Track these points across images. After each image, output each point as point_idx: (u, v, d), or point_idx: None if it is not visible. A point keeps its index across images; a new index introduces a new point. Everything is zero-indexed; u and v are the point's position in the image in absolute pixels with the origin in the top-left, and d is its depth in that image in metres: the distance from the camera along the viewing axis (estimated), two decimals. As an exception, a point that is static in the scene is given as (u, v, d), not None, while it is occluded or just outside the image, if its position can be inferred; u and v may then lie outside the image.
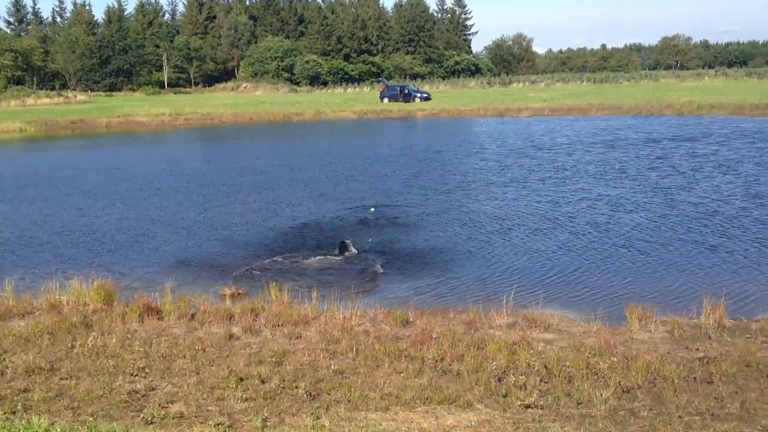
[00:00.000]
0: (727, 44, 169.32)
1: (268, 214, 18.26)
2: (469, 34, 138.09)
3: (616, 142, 32.97)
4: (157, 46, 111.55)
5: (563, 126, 42.55)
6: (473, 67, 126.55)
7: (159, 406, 6.71)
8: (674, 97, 57.84)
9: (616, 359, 7.61)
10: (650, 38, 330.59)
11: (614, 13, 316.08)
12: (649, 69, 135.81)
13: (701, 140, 32.11)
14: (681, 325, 8.81)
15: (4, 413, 6.51)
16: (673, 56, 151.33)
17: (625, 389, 6.94)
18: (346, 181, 23.66)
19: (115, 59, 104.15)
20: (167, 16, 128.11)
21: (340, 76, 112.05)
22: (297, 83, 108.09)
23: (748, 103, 48.92)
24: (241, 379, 7.23)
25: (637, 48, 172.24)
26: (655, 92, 67.79)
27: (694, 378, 7.19)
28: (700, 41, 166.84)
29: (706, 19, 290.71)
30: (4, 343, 8.43)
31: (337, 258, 13.81)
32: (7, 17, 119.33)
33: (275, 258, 13.84)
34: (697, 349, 8.08)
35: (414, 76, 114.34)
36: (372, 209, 17.99)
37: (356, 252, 14.05)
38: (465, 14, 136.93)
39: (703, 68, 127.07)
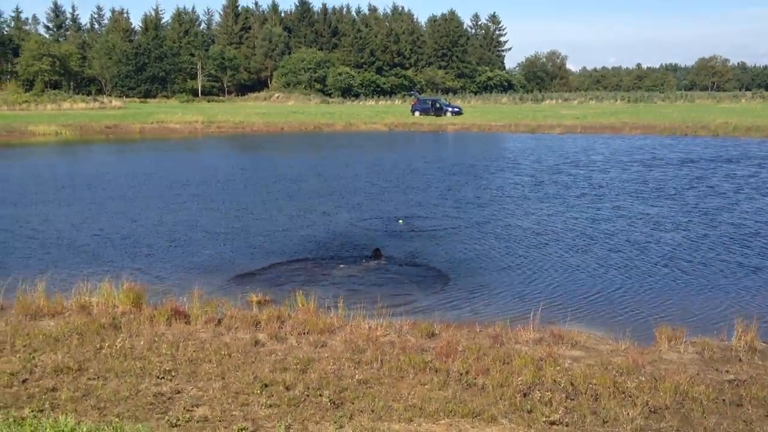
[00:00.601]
0: (765, 67, 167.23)
1: (301, 222, 18.35)
2: (502, 50, 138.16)
3: (654, 161, 32.74)
4: (192, 55, 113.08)
5: (598, 144, 42.34)
6: (506, 83, 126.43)
7: (184, 409, 6.74)
8: (710, 118, 57.21)
9: (643, 379, 7.51)
10: (686, 59, 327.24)
11: (650, 32, 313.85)
12: (684, 90, 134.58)
13: (740, 162, 31.76)
14: (711, 347, 8.68)
15: (32, 411, 6.58)
16: (710, 77, 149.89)
17: (652, 409, 6.85)
18: (380, 192, 23.72)
19: (151, 66, 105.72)
20: (203, 25, 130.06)
21: (372, 88, 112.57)
22: (329, 94, 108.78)
23: (785, 125, 48.26)
24: (266, 386, 7.25)
25: (673, 68, 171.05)
26: (690, 113, 67.12)
27: (724, 400, 7.07)
28: (738, 63, 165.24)
29: (744, 42, 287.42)
30: (34, 342, 8.53)
31: (370, 264, 13.94)
32: (46, 23, 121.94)
33: (307, 265, 13.91)
34: (727, 371, 7.95)
35: (446, 91, 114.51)
36: (400, 221, 17.99)
37: (387, 259, 14.23)
38: (499, 30, 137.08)
39: (740, 90, 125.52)
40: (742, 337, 8.84)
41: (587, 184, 25.31)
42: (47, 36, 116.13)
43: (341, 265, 13.93)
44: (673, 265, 13.89)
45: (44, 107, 75.44)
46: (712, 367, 8.14)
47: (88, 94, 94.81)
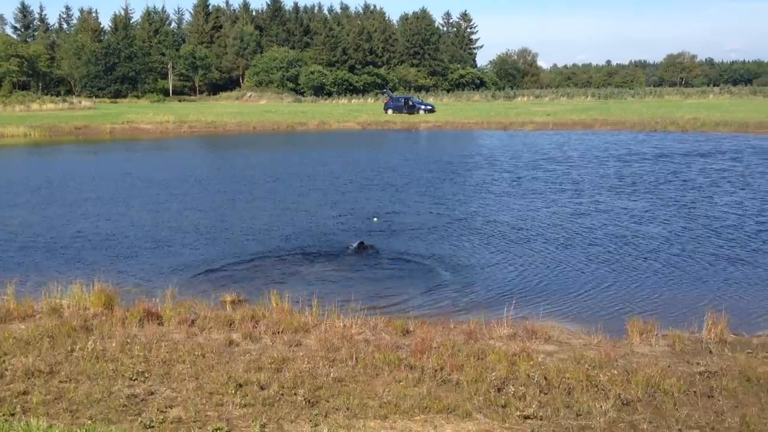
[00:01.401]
0: (732, 63, 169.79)
1: (279, 220, 18.30)
2: (474, 48, 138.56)
3: (629, 156, 33.14)
4: (163, 54, 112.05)
5: (572, 140, 42.68)
6: (478, 81, 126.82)
7: (158, 410, 6.69)
8: (678, 113, 57.89)
9: (616, 372, 7.59)
10: (655, 55, 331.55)
11: (620, 30, 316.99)
12: (653, 86, 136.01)
13: (714, 156, 32.27)
14: (682, 339, 8.80)
15: (3, 415, 6.50)
16: (678, 73, 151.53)
17: (624, 402, 6.92)
18: (358, 190, 23.71)
19: (121, 66, 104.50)
20: (173, 24, 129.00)
21: (344, 87, 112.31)
22: (301, 93, 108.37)
23: (752, 120, 48.99)
24: (240, 385, 7.22)
25: (642, 65, 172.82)
26: (659, 109, 67.86)
27: (695, 392, 7.17)
28: (705, 59, 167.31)
29: (711, 38, 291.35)
30: (4, 345, 8.42)
31: (351, 258, 14.31)
32: (14, 23, 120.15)
33: (283, 262, 13.90)
34: (698, 363, 8.06)
35: (418, 89, 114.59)
36: (375, 219, 17.99)
37: (371, 252, 14.68)
38: (470, 28, 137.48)
39: (708, 86, 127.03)
40: (713, 330, 8.97)
41: (566, 180, 25.54)
42: (15, 36, 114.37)
43: (321, 261, 14.00)
44: (648, 259, 14.05)
45: (12, 108, 74.25)
46: (683, 359, 8.26)
47: (57, 95, 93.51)
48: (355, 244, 15.04)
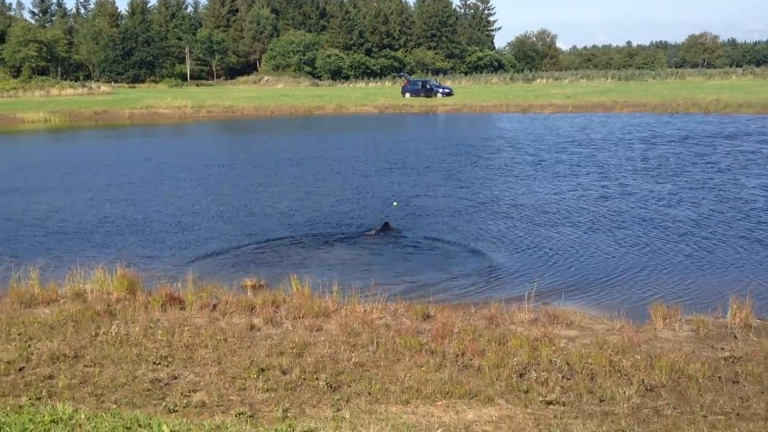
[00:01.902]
0: (755, 43, 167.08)
1: (298, 204, 18.37)
2: (492, 30, 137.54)
3: (654, 138, 32.82)
4: (180, 39, 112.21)
5: (595, 122, 42.37)
6: (496, 63, 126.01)
7: (181, 394, 6.74)
8: (701, 95, 57.21)
9: (639, 357, 7.54)
10: (677, 36, 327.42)
11: (640, 10, 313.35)
12: (675, 67, 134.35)
13: (739, 138, 31.93)
14: (706, 324, 8.73)
15: (30, 399, 6.57)
16: (700, 54, 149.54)
17: (648, 387, 6.88)
18: (383, 173, 23.71)
19: (138, 51, 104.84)
20: (190, 8, 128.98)
21: (361, 70, 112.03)
22: (318, 77, 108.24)
23: (775, 102, 48.31)
24: (263, 370, 7.25)
25: (664, 46, 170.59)
26: (681, 90, 67.10)
27: (719, 377, 7.11)
28: (728, 40, 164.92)
29: (734, 18, 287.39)
30: (29, 330, 8.51)
31: (372, 240, 14.52)
32: (32, 8, 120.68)
33: (304, 247, 13.95)
34: (723, 349, 7.99)
35: (436, 71, 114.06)
36: (395, 203, 17.95)
37: (392, 233, 15.00)
38: (488, 10, 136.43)
39: (730, 67, 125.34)
40: (737, 315, 8.88)
41: (591, 163, 25.47)
42: (33, 22, 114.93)
43: (342, 245, 14.16)
44: (672, 242, 13.92)
45: (32, 94, 74.74)
46: (707, 344, 8.19)
47: (76, 80, 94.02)
48: (380, 226, 15.27)
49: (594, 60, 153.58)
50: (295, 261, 13.09)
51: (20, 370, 7.32)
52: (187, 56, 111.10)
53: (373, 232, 15.07)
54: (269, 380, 7.04)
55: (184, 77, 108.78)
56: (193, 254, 13.63)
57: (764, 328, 8.72)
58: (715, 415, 6.33)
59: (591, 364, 7.37)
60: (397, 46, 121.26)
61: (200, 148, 34.10)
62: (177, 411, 6.40)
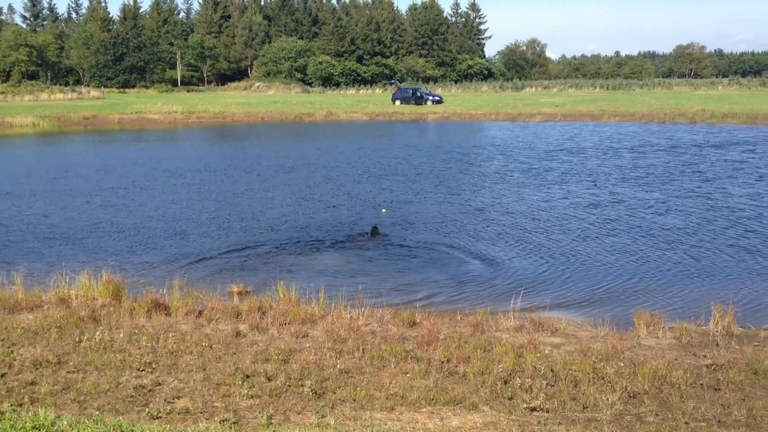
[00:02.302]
0: (742, 54, 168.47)
1: (286, 211, 18.35)
2: (482, 39, 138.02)
3: (642, 147, 33.07)
4: (171, 44, 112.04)
5: (584, 131, 42.53)
6: (486, 71, 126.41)
7: (165, 401, 6.73)
8: (687, 105, 57.60)
9: (623, 364, 7.58)
10: (664, 46, 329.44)
11: (629, 20, 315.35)
12: (662, 77, 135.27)
13: (727, 147, 32.16)
14: (689, 332, 8.78)
15: (12, 405, 6.54)
16: (687, 65, 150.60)
17: (631, 394, 6.92)
18: (367, 181, 23.72)
19: (129, 56, 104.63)
20: (182, 14, 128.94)
21: (352, 77, 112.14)
22: (309, 84, 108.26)
23: (761, 112, 48.67)
24: (247, 377, 7.25)
25: (651, 56, 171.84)
26: (668, 100, 67.54)
27: (701, 384, 7.16)
28: (715, 50, 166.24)
29: (721, 29, 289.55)
30: (12, 336, 8.47)
31: (359, 247, 14.64)
32: (23, 12, 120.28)
33: (291, 253, 13.92)
34: (705, 356, 8.04)
35: (426, 79, 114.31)
36: (383, 210, 17.97)
37: (381, 238, 15.20)
38: (479, 18, 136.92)
39: (717, 77, 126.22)
40: (720, 322, 8.95)
41: (580, 171, 25.61)
42: (24, 26, 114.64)
43: (329, 251, 14.14)
44: (657, 251, 14.00)
45: (21, 98, 74.48)
46: (690, 352, 8.24)
47: (65, 85, 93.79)
48: (369, 230, 15.54)
49: (583, 69, 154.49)
50: (283, 267, 13.08)
51: (2, 376, 7.29)
52: (178, 62, 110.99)
53: (363, 237, 15.22)
54: (254, 387, 7.03)
55: (174, 83, 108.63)
56: (179, 260, 13.59)
57: (746, 336, 8.79)
58: (696, 422, 6.37)
59: (575, 371, 7.40)
60: (388, 54, 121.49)
61: (190, 154, 34.02)
62: (160, 417, 6.39)
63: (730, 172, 24.53)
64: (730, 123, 45.45)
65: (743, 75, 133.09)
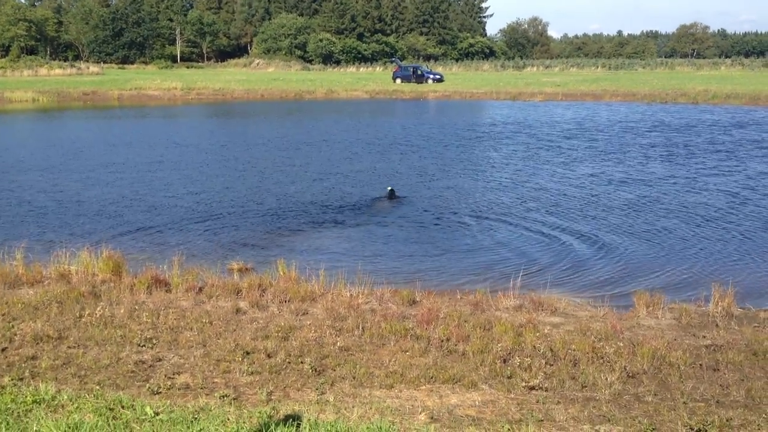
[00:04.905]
0: (745, 34, 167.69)
1: (288, 188, 18.35)
2: (484, 17, 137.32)
3: (660, 126, 33.21)
4: (171, 20, 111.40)
5: (586, 110, 42.45)
6: (487, 50, 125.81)
7: (165, 376, 6.74)
8: (690, 85, 57.40)
9: (622, 344, 7.60)
10: (667, 26, 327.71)
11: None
12: (665, 57, 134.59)
13: (748, 127, 32.25)
14: (689, 312, 8.80)
15: (12, 380, 6.55)
16: (690, 45, 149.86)
17: (630, 374, 6.94)
18: (371, 159, 23.73)
19: (129, 32, 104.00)
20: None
21: (353, 55, 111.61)
22: (310, 61, 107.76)
23: (764, 93, 48.51)
24: (247, 353, 7.26)
25: (654, 35, 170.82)
26: (670, 80, 67.28)
27: (700, 365, 7.18)
28: (718, 30, 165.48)
29: (724, 8, 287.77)
30: (13, 310, 8.47)
31: (386, 203, 16.34)
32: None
33: (292, 231, 13.91)
34: (704, 337, 8.06)
35: (427, 57, 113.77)
36: (389, 188, 17.87)
37: (401, 198, 16.72)
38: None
39: (719, 57, 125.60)
40: (719, 303, 8.96)
41: (586, 149, 25.91)
42: (23, 1, 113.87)
43: (330, 229, 14.16)
44: (658, 230, 13.99)
45: (20, 73, 74.10)
46: (689, 332, 8.26)
47: (65, 60, 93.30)
48: (386, 193, 16.90)
49: (585, 48, 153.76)
50: (283, 244, 13.08)
51: (3, 350, 7.30)
52: (178, 38, 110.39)
53: (381, 200, 16.41)
54: (254, 363, 7.05)
55: (174, 59, 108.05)
56: (179, 236, 13.59)
57: (746, 317, 8.80)
58: (695, 402, 6.40)
59: (574, 350, 7.42)
60: (389, 32, 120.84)
61: (191, 131, 33.93)
62: (160, 393, 6.40)
63: (751, 151, 24.69)
64: (733, 104, 45.32)
65: (746, 55, 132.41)
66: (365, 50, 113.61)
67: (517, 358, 7.24)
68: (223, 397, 6.31)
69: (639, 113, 40.59)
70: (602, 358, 7.26)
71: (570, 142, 27.92)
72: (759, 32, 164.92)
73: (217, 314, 8.52)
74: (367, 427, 5.70)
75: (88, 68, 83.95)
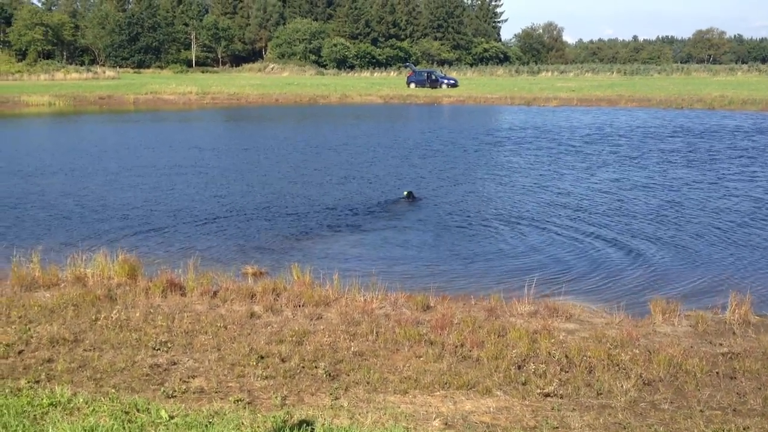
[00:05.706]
0: (762, 40, 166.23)
1: (303, 193, 18.42)
2: (498, 22, 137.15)
3: (680, 132, 33.07)
4: (186, 25, 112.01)
5: (620, 115, 42.43)
6: (502, 55, 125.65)
7: (180, 380, 6.76)
8: (705, 91, 57.05)
9: (638, 351, 7.55)
10: (683, 31, 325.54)
11: (647, 5, 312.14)
12: (681, 62, 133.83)
13: (764, 134, 32.15)
14: (705, 320, 8.73)
15: (29, 382, 6.59)
16: (706, 50, 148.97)
17: (646, 382, 6.89)
18: (388, 164, 23.71)
19: (144, 36, 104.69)
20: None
21: (367, 60, 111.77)
22: (324, 66, 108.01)
23: (780, 99, 48.15)
24: (262, 357, 7.27)
25: (670, 41, 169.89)
26: (686, 86, 66.91)
27: (717, 373, 7.12)
28: (734, 36, 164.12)
29: (741, 14, 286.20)
30: (29, 313, 8.53)
31: (405, 206, 16.72)
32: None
33: (307, 235, 13.93)
34: (721, 344, 8.00)
35: (441, 63, 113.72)
36: (405, 193, 17.85)
37: (419, 200, 17.24)
38: (495, 1, 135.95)
39: (736, 63, 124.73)
40: (736, 311, 8.89)
41: (604, 155, 25.85)
42: (40, 5, 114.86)
43: (344, 234, 14.21)
44: (675, 237, 13.89)
45: (37, 77, 74.79)
46: (705, 340, 8.19)
47: (81, 64, 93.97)
48: (404, 194, 17.33)
49: (600, 54, 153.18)
50: (298, 248, 13.10)
51: (20, 353, 7.35)
52: (193, 42, 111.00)
53: (400, 201, 17.02)
54: (268, 368, 7.06)
55: (189, 63, 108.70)
56: (195, 239, 13.63)
57: (763, 325, 8.72)
58: (711, 410, 6.34)
59: (589, 357, 7.37)
60: (403, 37, 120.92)
61: (208, 135, 34.11)
62: (175, 396, 6.42)
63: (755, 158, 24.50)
64: (750, 109, 45.01)
65: (763, 61, 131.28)
66: (379, 55, 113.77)
67: (531, 364, 7.21)
68: (238, 401, 6.31)
69: (659, 118, 40.39)
70: (618, 365, 7.22)
71: (592, 147, 27.82)
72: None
73: (232, 318, 8.54)
74: (382, 433, 5.69)
75: (104, 72, 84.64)
